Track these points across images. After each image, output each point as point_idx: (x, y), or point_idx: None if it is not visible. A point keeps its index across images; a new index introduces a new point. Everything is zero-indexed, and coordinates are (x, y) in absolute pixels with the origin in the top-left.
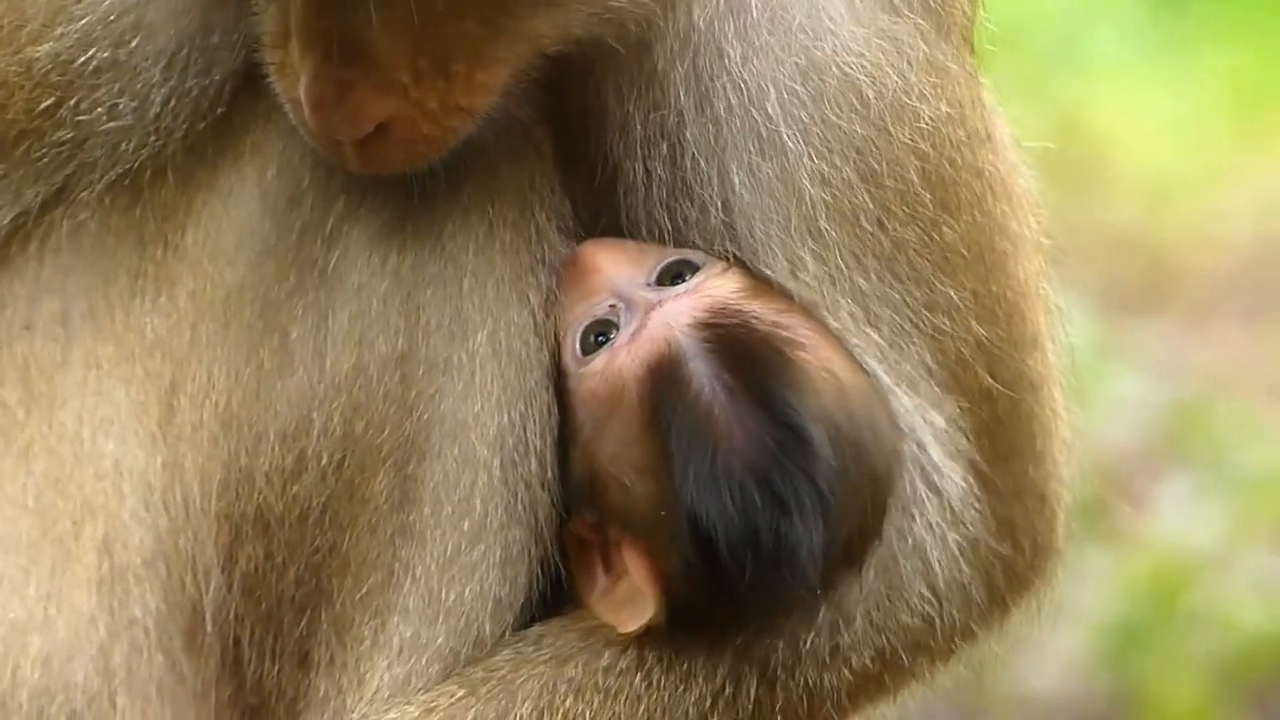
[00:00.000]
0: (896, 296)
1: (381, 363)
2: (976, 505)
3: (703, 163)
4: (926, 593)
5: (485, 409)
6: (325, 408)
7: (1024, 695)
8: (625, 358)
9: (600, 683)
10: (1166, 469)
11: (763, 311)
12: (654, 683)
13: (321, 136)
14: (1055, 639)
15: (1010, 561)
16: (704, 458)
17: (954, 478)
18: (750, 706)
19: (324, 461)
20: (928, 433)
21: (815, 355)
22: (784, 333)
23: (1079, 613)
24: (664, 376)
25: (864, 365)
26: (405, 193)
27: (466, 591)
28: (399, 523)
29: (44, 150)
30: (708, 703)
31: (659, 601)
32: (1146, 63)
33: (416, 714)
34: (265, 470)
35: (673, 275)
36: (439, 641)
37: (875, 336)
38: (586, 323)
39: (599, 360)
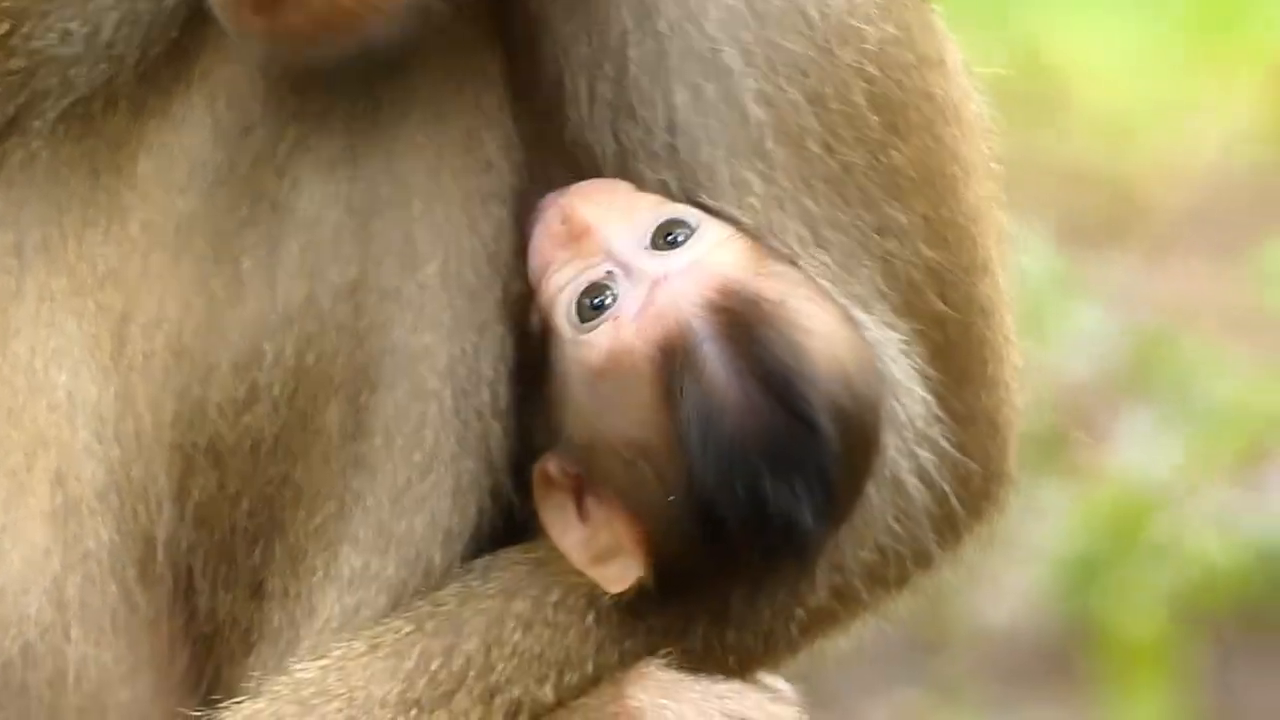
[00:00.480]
0: (845, 219)
1: (333, 293)
2: (938, 426)
3: (645, 82)
4: (893, 523)
5: (436, 339)
6: (277, 338)
7: (982, 629)
8: (633, 335)
9: (550, 617)
10: (1126, 402)
11: (769, 290)
12: (604, 617)
13: (232, 11)
14: (1013, 572)
15: (965, 487)
16: (718, 446)
17: (916, 396)
18: (699, 643)
19: (276, 392)
20: (891, 348)
21: (821, 337)
22: (791, 315)
23: (1037, 546)
24: (678, 360)
25: (852, 316)
26: (355, 121)
27: (417, 522)
28: (351, 454)
29: None
30: (658, 637)
31: (647, 566)
32: None
33: (362, 649)
34: (217, 401)
35: (665, 235)
36: (389, 572)
37: (825, 259)
38: (582, 286)
39: (602, 332)
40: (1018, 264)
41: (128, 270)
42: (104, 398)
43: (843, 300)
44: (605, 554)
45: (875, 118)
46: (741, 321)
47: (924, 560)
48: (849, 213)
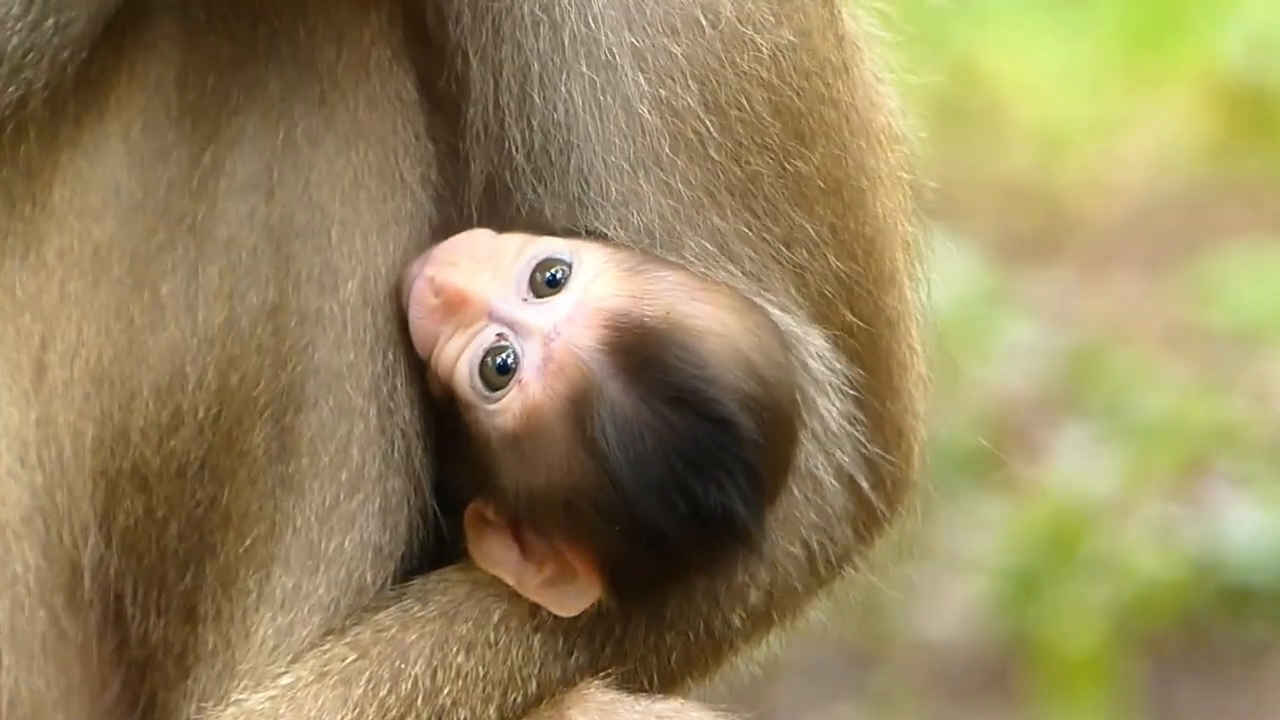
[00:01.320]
0: (753, 233)
1: (253, 315)
2: (850, 429)
3: (549, 92)
4: (815, 517)
5: (359, 358)
6: (199, 362)
7: (920, 643)
8: (540, 394)
9: (492, 638)
10: (1062, 416)
11: (653, 311)
12: (545, 634)
13: None
14: (951, 587)
15: (873, 492)
16: (648, 472)
17: (832, 397)
18: (640, 649)
19: (200, 415)
20: (808, 350)
21: (715, 334)
22: (680, 325)
23: (975, 560)
24: (587, 405)
25: (753, 301)
26: (270, 144)
27: (346, 541)
28: (278, 474)
29: None
30: (599, 648)
31: (603, 586)
32: (1040, 10)
33: (310, 678)
34: (140, 426)
35: (546, 276)
36: (320, 592)
37: (735, 270)
38: (479, 355)
39: (510, 396)
40: (951, 279)
41: (45, 297)
42: (25, 423)
43: (738, 282)
44: (554, 580)
45: (777, 125)
46: (636, 351)
47: (843, 561)
48: (757, 224)
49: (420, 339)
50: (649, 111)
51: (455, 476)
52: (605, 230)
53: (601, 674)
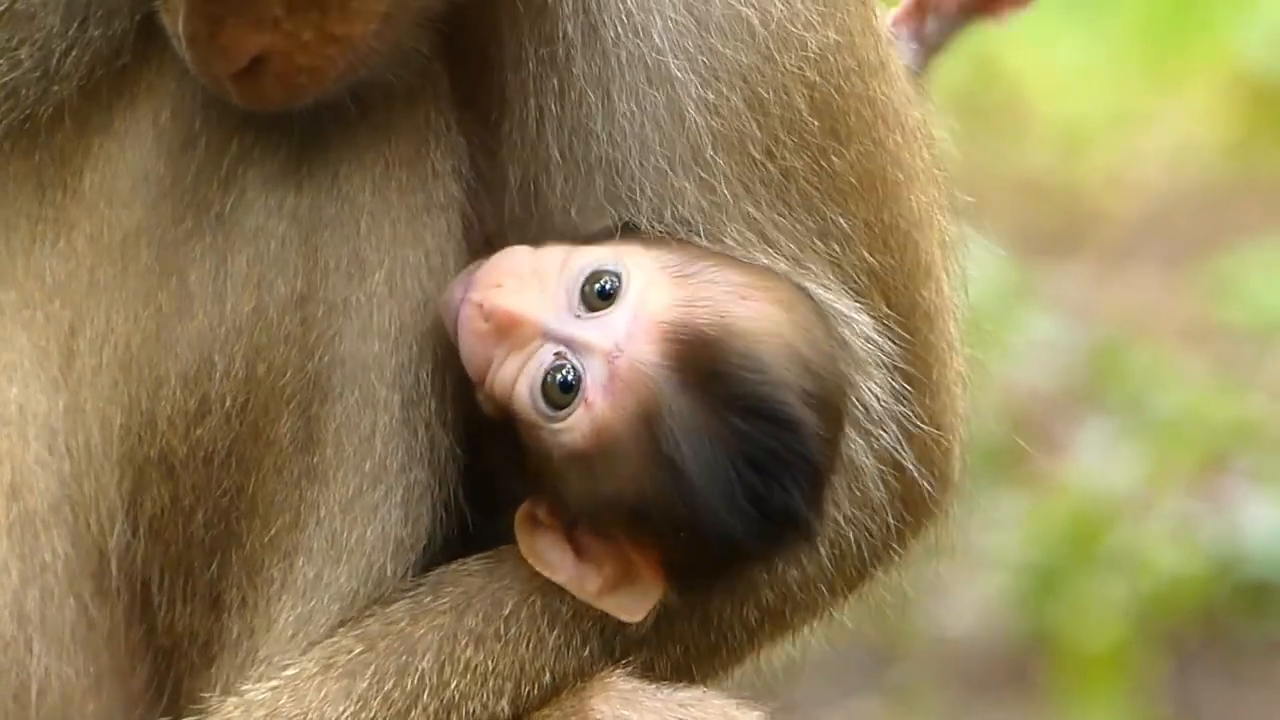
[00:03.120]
0: (788, 225)
1: (281, 305)
2: (896, 407)
3: (590, 95)
4: (854, 509)
5: (384, 349)
6: (226, 350)
7: (940, 638)
8: (609, 411)
9: (502, 631)
10: (1083, 412)
11: (708, 314)
12: (558, 626)
13: (201, 72)
14: (971, 582)
15: (912, 489)
16: (720, 481)
17: (876, 377)
18: (653, 643)
19: (227, 404)
20: (853, 329)
21: (768, 334)
22: (735, 330)
23: (995, 556)
24: (659, 421)
25: (797, 287)
26: (300, 133)
27: (368, 532)
28: (304, 464)
29: None
30: (612, 643)
31: (667, 589)
32: (1061, 6)
33: (314, 670)
34: (167, 414)
35: (596, 288)
36: (341, 581)
37: (775, 255)
38: (539, 376)
39: (576, 415)
40: (971, 274)
41: (74, 284)
42: (54, 410)
43: (778, 266)
44: (615, 583)
45: (816, 123)
46: (700, 363)
47: (874, 560)
48: (790, 218)
49: (472, 364)
50: (694, 111)
51: (503, 480)
52: (641, 224)
53: (623, 663)
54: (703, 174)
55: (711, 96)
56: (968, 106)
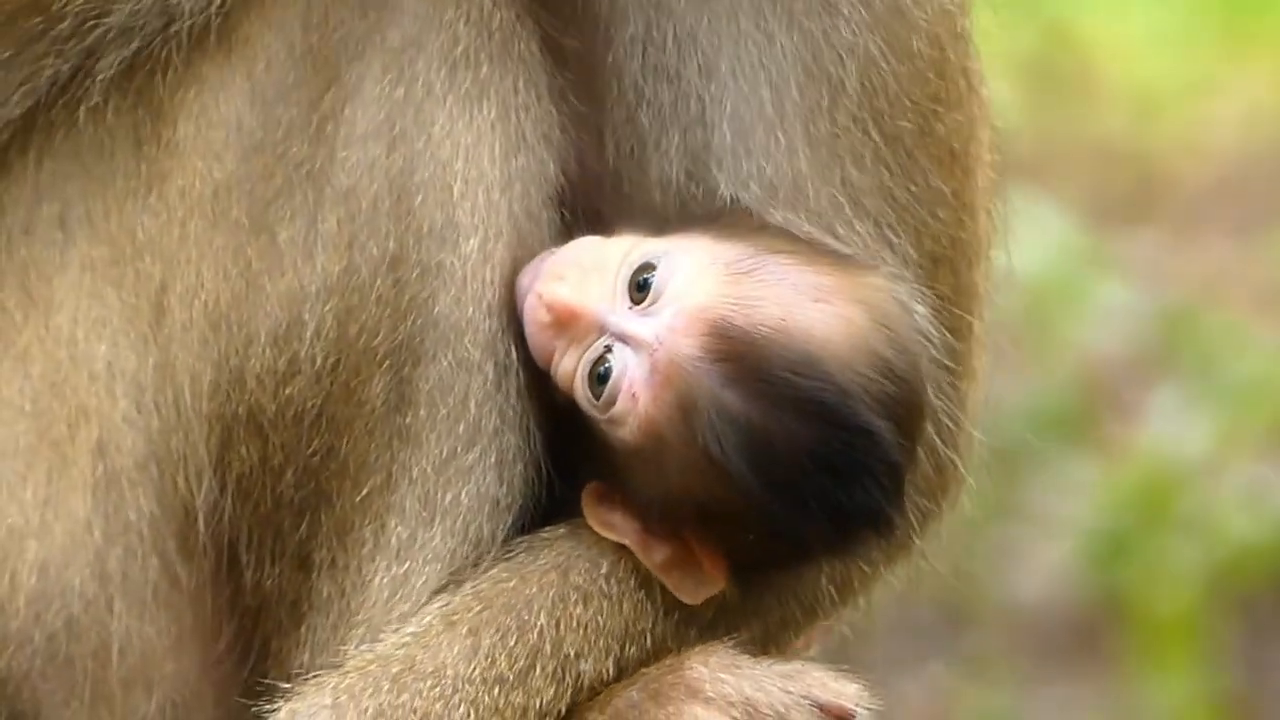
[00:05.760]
0: (889, 187)
1: (373, 266)
2: (939, 402)
3: (695, 57)
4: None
5: (477, 314)
6: (316, 310)
7: (1012, 604)
8: (651, 404)
9: (605, 588)
10: (1155, 378)
11: (765, 314)
12: (653, 587)
13: None
14: (1043, 548)
15: (949, 461)
16: (778, 477)
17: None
18: (739, 612)
19: (317, 364)
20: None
21: (845, 338)
22: (803, 328)
23: (1067, 522)
24: (698, 414)
25: (879, 280)
26: (392, 96)
27: (463, 494)
28: (396, 426)
29: (56, 40)
30: (703, 611)
31: (728, 581)
32: None
33: (440, 627)
34: (257, 372)
35: (638, 283)
36: (435, 542)
37: (862, 230)
38: (588, 368)
39: (623, 408)
40: (1044, 241)
41: (166, 239)
42: (143, 368)
43: (851, 252)
44: (676, 564)
45: (927, 88)
46: (749, 361)
47: (919, 529)
48: (892, 178)
49: (538, 353)
50: (799, 72)
51: (582, 463)
52: (732, 189)
53: (728, 636)
54: (815, 134)
55: (818, 58)
56: (1040, 73)
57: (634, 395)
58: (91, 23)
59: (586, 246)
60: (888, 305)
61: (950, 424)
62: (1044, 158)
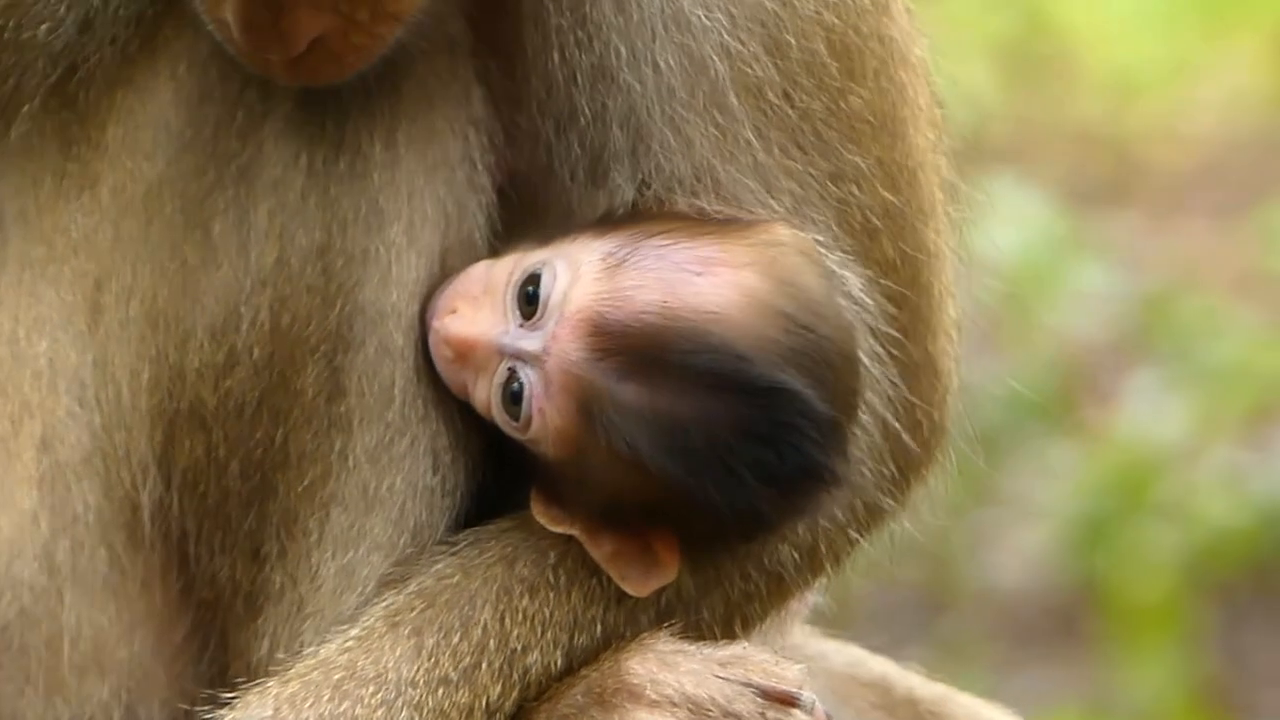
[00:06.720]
0: (799, 168)
1: (302, 256)
2: (886, 372)
3: (613, 46)
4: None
5: (401, 298)
6: (252, 302)
7: (989, 589)
8: (556, 417)
9: (551, 579)
10: (1132, 362)
11: (642, 302)
12: (602, 575)
13: (253, 57)
14: (1020, 533)
15: (907, 434)
16: (701, 459)
17: (864, 337)
18: (694, 589)
19: (255, 355)
20: (842, 288)
21: (735, 305)
22: (685, 305)
23: (1044, 507)
24: (602, 414)
25: (782, 236)
26: (314, 89)
27: (398, 481)
28: (331, 414)
29: None
30: (658, 597)
31: (678, 569)
32: None
33: (383, 629)
34: (196, 366)
35: (525, 297)
36: (376, 531)
37: (778, 207)
38: (500, 394)
39: (536, 426)
40: (1022, 224)
41: (100, 238)
42: (83, 364)
43: (749, 216)
44: (624, 554)
45: (834, 64)
46: (637, 351)
47: (878, 499)
48: (803, 160)
49: (454, 388)
50: (715, 59)
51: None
52: (633, 188)
53: (666, 624)
54: (719, 122)
55: (733, 43)
56: (1020, 56)
57: (540, 410)
58: (6, 75)
59: (474, 274)
60: (787, 259)
61: (894, 386)
62: (1023, 141)
